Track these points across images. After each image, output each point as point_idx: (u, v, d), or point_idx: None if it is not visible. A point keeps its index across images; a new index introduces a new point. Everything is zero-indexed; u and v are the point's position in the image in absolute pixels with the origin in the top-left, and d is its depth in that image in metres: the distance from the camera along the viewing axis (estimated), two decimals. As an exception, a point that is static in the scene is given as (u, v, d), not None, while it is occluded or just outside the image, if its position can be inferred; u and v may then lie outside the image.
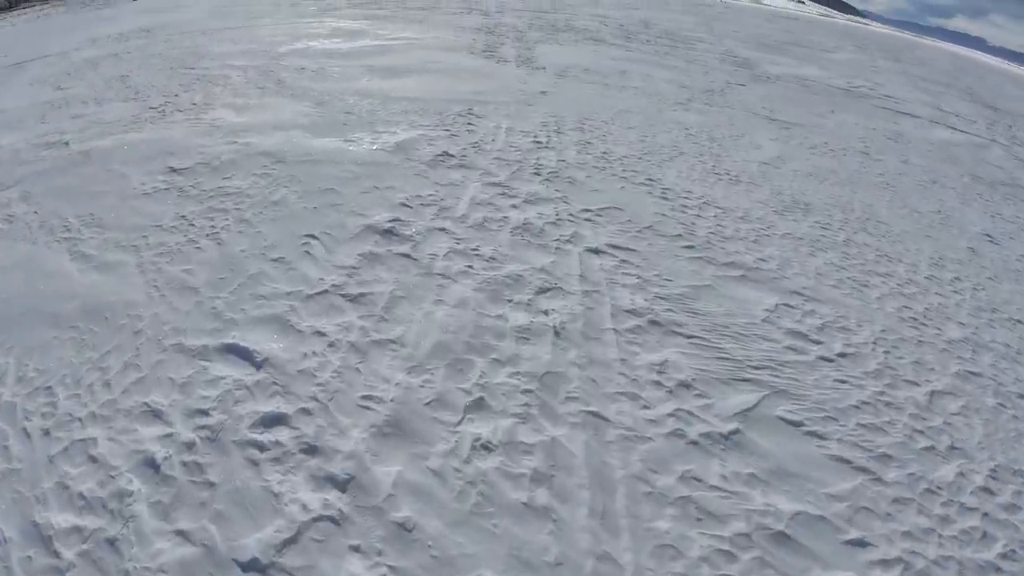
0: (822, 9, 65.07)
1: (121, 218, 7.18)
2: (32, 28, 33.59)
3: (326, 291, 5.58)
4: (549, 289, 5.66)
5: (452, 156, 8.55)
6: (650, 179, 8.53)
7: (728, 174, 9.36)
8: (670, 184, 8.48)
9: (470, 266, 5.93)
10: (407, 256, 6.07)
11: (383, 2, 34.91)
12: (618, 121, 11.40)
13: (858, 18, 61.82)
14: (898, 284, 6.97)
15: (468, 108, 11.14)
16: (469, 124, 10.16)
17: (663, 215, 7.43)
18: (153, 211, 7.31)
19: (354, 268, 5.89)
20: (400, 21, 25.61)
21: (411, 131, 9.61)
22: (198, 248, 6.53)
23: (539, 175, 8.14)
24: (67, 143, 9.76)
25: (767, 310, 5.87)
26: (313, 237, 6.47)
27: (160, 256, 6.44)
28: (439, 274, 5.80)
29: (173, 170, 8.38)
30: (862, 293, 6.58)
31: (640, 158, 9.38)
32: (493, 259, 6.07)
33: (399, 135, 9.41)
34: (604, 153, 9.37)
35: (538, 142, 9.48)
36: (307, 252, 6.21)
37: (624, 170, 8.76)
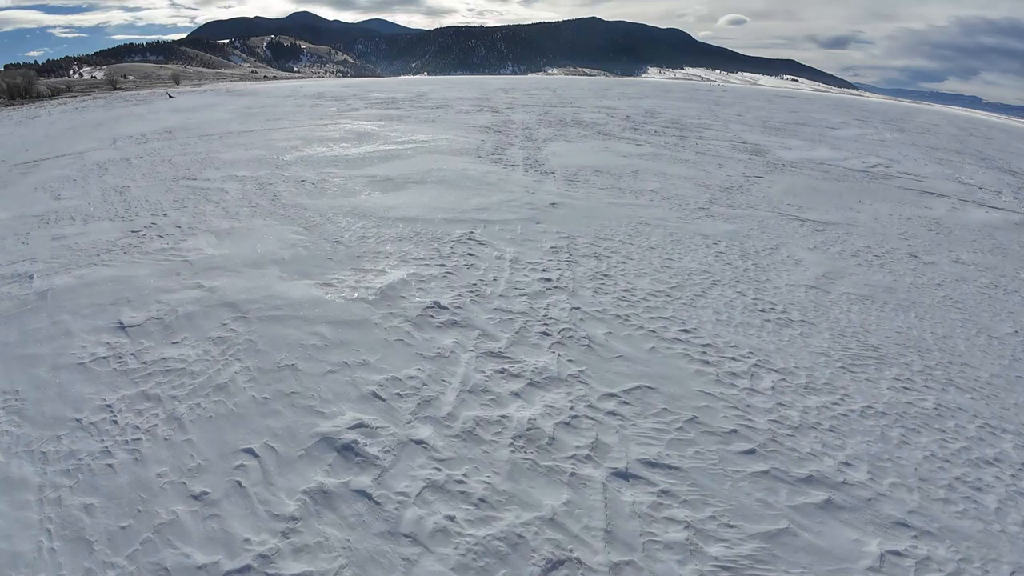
0: (816, 85, 64.55)
1: (43, 404, 5.43)
2: (65, 121, 33.22)
3: (248, 568, 3.65)
4: (561, 564, 3.66)
5: (444, 309, 6.72)
6: (684, 329, 6.60)
7: (774, 309, 7.42)
8: (709, 336, 6.54)
9: (452, 517, 3.97)
10: (367, 497, 4.14)
11: (400, 102, 34.35)
12: (637, 238, 9.61)
13: (852, 91, 60.93)
14: (1012, 475, 4.89)
15: (469, 232, 9.44)
16: (469, 255, 8.40)
17: (708, 394, 5.45)
18: (80, 395, 5.55)
19: (294, 520, 3.97)
20: (413, 122, 24.57)
21: (401, 268, 7.87)
22: (110, 466, 4.68)
23: (548, 335, 6.25)
24: (31, 276, 8.33)
25: (871, 568, 3.82)
26: (252, 454, 4.58)
27: (65, 475, 4.61)
28: (407, 535, 3.84)
29: (121, 327, 6.67)
30: (978, 506, 4.50)
31: (668, 295, 7.49)
32: (484, 502, 4.11)
33: (387, 275, 7.66)
34: (626, 291, 7.50)
35: (547, 279, 7.65)
36: (239, 484, 4.31)
37: (652, 317, 6.85)
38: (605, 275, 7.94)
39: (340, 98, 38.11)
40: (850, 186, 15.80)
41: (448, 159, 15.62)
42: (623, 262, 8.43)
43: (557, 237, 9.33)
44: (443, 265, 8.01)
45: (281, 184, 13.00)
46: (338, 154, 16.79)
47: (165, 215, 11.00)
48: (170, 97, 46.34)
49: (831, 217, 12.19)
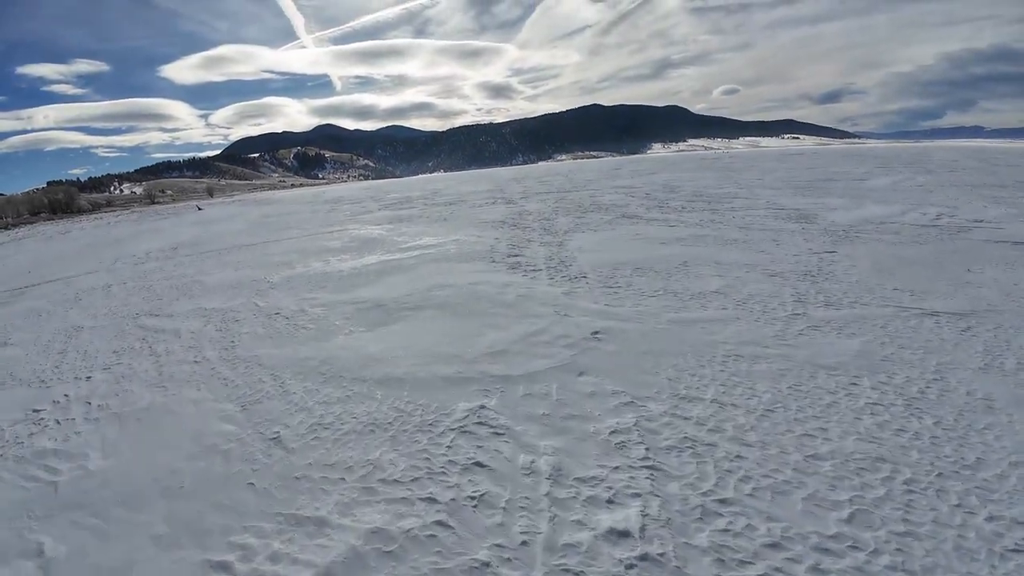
0: (818, 139, 60.84)
1: None
2: (87, 237, 30.75)
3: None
4: None
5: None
6: None
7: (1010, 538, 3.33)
8: None
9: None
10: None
11: (414, 201, 31.44)
12: (737, 391, 5.74)
13: (854, 140, 57.07)
14: None
15: (479, 406, 5.63)
16: (476, 465, 4.61)
17: None
18: None
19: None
20: (424, 221, 21.31)
21: (360, 518, 4.01)
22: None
23: None
24: None
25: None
26: None
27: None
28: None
29: None
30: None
31: (855, 543, 3.45)
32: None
33: (329, 544, 3.78)
34: (775, 544, 3.49)
35: (624, 533, 3.79)
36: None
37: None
38: (723, 502, 3.96)
39: (357, 201, 35.58)
40: (937, 249, 11.82)
41: (457, 269, 12.01)
42: (738, 458, 4.43)
43: (617, 405, 5.43)
44: (432, 501, 4.13)
45: (249, 322, 9.50)
46: (332, 270, 13.35)
47: (89, 378, 7.87)
48: (199, 209, 44.41)
49: (958, 303, 8.19)
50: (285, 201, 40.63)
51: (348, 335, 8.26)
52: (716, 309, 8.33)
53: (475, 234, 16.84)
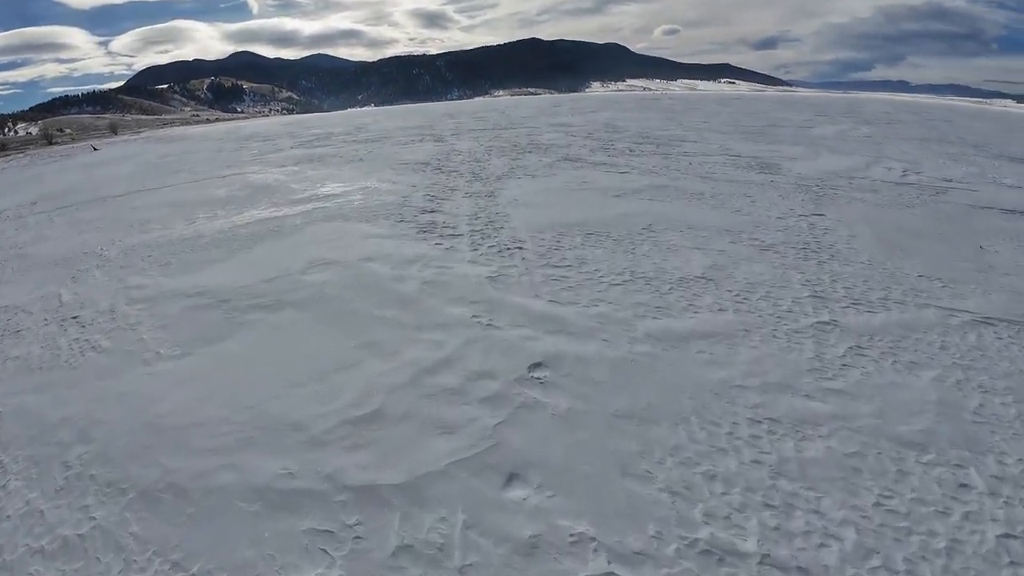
0: (753, 85, 58.54)
1: None
2: None
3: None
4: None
5: None
6: None
7: None
8: None
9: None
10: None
11: (334, 138, 26.91)
12: (773, 489, 2.78)
13: (787, 88, 55.22)
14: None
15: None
16: None
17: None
18: None
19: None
20: (337, 162, 17.30)
21: None
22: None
23: None
24: None
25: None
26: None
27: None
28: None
29: None
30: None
31: None
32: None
33: None
34: None
35: None
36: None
37: None
38: None
39: (272, 137, 30.52)
40: (931, 216, 9.74)
41: (352, 232, 8.60)
42: None
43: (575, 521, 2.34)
44: None
45: (28, 334, 6.15)
46: (193, 234, 9.61)
47: None
48: (95, 150, 37.65)
49: (1004, 302, 5.71)
50: (194, 138, 34.83)
51: (148, 365, 4.89)
52: (710, 311, 5.41)
53: (391, 179, 13.21)
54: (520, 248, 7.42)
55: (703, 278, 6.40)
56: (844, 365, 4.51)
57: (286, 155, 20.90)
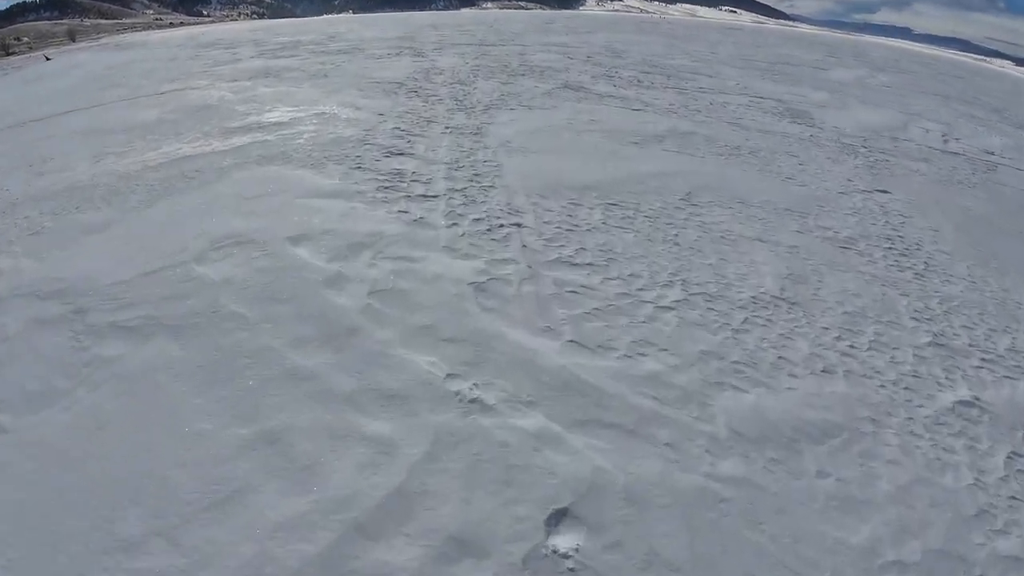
0: (755, 16, 54.07)
1: None
2: None
3: None
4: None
5: None
6: None
7: None
8: None
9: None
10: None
11: (302, 47, 22.95)
12: None
13: (790, 22, 51.17)
14: None
15: None
16: None
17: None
18: None
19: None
20: (297, 78, 14.10)
21: None
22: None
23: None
24: None
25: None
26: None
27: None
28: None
29: None
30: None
31: None
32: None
33: None
34: None
35: None
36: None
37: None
38: None
39: (233, 45, 26.20)
40: (995, 202, 7.90)
41: (289, 186, 6.08)
42: None
43: None
44: None
45: None
46: (90, 178, 7.07)
47: None
48: (47, 60, 32.72)
49: None
50: (151, 45, 30.14)
51: None
52: (813, 374, 3.34)
53: (355, 103, 10.35)
54: (518, 225, 5.04)
55: (784, 300, 4.18)
56: (1012, 501, 2.44)
57: (242, 67, 17.37)
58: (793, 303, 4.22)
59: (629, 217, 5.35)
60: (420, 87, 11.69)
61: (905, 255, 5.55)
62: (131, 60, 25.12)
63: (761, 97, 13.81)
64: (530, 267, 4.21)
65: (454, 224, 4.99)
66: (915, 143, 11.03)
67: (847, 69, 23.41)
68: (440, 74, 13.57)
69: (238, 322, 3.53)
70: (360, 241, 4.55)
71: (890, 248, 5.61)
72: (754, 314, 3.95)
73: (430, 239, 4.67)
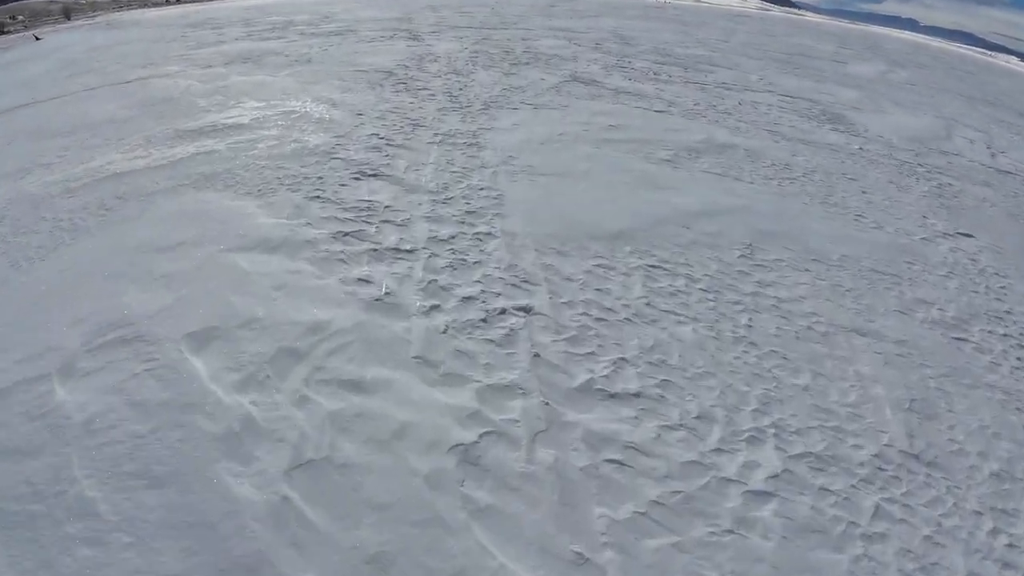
0: (760, 2, 51.28)
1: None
2: None
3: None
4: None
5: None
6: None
7: None
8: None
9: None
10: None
11: (292, 27, 20.71)
12: None
13: (795, 10, 48.57)
14: None
15: None
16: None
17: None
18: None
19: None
20: (277, 64, 12.17)
21: None
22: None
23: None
24: None
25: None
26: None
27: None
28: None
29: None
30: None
31: None
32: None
33: None
34: None
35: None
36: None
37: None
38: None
39: (223, 25, 23.86)
40: None
41: (216, 227, 4.27)
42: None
43: None
44: None
45: None
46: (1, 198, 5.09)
47: None
48: (37, 39, 30.26)
49: None
50: (143, 24, 27.76)
51: None
52: None
53: (332, 98, 8.53)
54: (526, 311, 3.39)
55: (916, 457, 2.57)
56: None
57: (223, 50, 15.31)
58: (929, 463, 2.63)
59: (680, 291, 3.69)
60: (411, 78, 9.84)
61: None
62: (116, 41, 22.85)
63: (790, 96, 12.04)
64: (547, 403, 2.57)
65: (434, 307, 3.32)
66: (966, 159, 9.45)
67: (865, 63, 21.49)
68: (435, 61, 11.67)
69: (85, 526, 1.89)
70: (292, 345, 2.89)
71: (1006, 335, 3.99)
72: (884, 496, 2.34)
73: (397, 340, 3.01)
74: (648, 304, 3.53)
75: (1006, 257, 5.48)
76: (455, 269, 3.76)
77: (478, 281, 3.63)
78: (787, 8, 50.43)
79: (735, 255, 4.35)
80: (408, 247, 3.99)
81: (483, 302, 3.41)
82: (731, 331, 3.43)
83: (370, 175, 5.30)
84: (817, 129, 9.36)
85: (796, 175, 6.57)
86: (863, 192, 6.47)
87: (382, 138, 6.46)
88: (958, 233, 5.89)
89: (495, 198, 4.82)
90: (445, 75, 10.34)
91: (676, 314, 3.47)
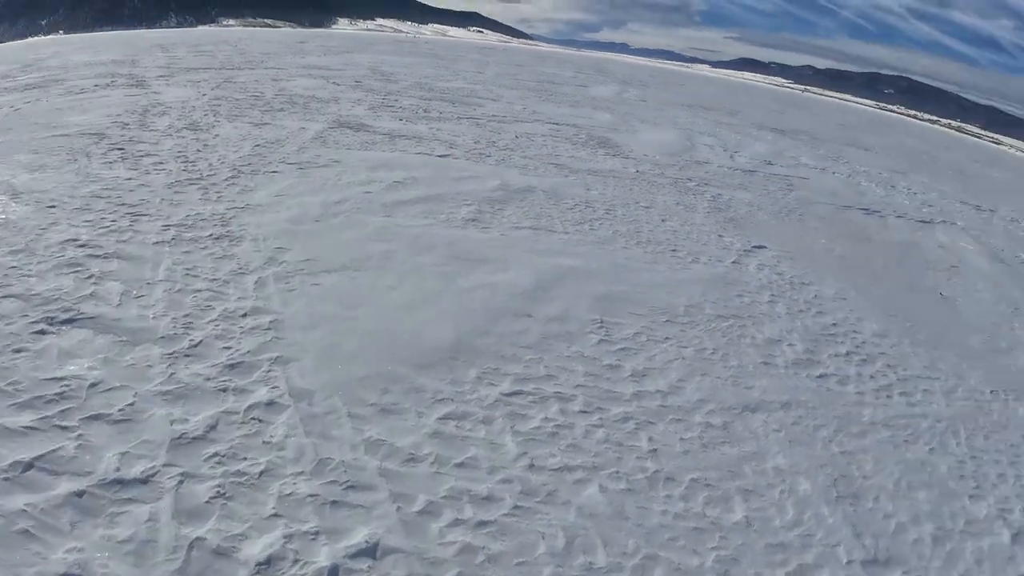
0: (501, 36, 55.53)
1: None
2: None
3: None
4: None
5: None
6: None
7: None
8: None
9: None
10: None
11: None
12: None
13: (531, 41, 53.63)
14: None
15: None
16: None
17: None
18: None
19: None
20: None
21: None
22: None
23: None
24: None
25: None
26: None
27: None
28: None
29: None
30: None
31: None
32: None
33: None
34: None
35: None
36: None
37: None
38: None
39: None
40: (842, 232, 7.44)
41: None
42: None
43: None
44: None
45: None
46: None
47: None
48: None
49: None
50: None
51: None
52: None
53: (14, 183, 5.66)
54: (371, 555, 1.89)
55: (876, 563, 1.88)
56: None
57: None
58: (888, 562, 2.04)
59: (561, 427, 2.69)
60: (131, 140, 7.32)
61: (866, 362, 3.88)
62: None
63: (556, 123, 12.26)
64: None
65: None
66: (715, 164, 10.49)
67: (602, 85, 23.86)
68: (164, 114, 9.10)
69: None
70: None
71: (848, 354, 3.89)
72: None
73: None
74: (532, 467, 2.38)
75: (799, 262, 5.68)
76: (227, 502, 2.11)
77: (274, 514, 2.05)
78: (524, 40, 55.15)
79: (593, 341, 3.47)
80: (138, 474, 2.20)
81: (296, 568, 1.86)
82: (639, 469, 2.48)
83: (63, 322, 3.20)
84: (594, 156, 9.40)
85: (599, 213, 6.13)
86: (663, 220, 6.32)
87: (83, 245, 4.23)
88: (754, 247, 5.98)
89: (268, 329, 3.20)
90: (178, 132, 7.99)
91: (570, 469, 2.38)
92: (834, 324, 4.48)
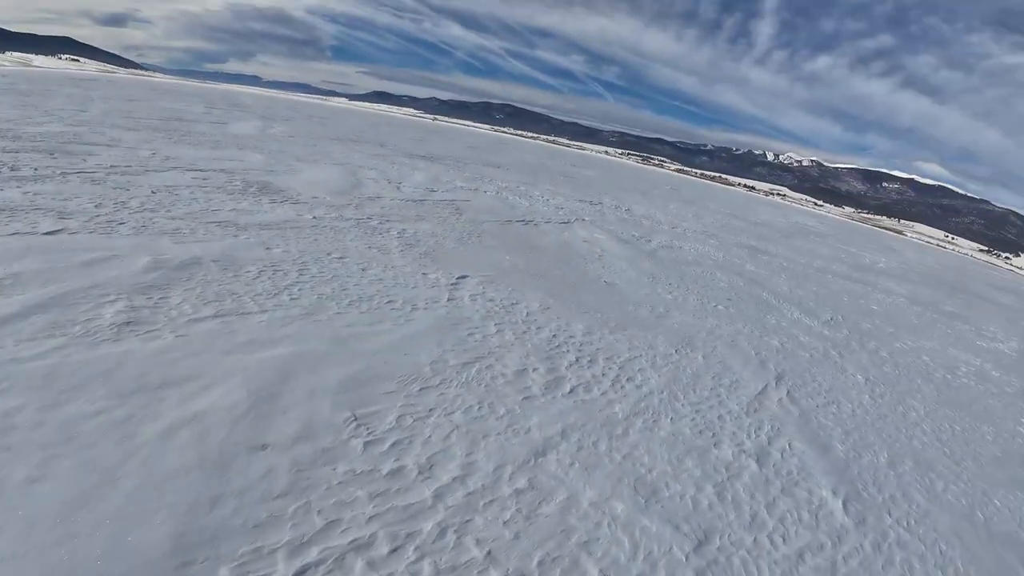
0: (101, 65, 45.91)
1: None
2: None
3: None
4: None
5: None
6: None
7: None
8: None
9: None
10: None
11: None
12: None
13: (142, 71, 45.72)
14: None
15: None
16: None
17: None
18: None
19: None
20: None
21: None
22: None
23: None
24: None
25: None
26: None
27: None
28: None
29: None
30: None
31: None
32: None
33: None
34: None
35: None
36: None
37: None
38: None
39: None
40: (513, 237, 8.49)
41: None
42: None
43: None
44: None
45: None
46: None
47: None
48: None
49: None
50: None
51: None
52: None
53: None
54: None
55: None
56: None
57: None
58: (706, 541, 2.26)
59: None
60: None
61: (592, 363, 4.37)
62: None
63: (201, 170, 10.42)
64: None
65: None
66: (386, 198, 10.58)
67: (242, 121, 21.59)
68: None
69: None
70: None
71: (579, 362, 4.34)
72: None
73: None
74: None
75: (499, 283, 6.03)
76: None
77: None
78: (133, 70, 45.67)
79: (358, 449, 2.81)
80: None
81: None
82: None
83: None
84: (259, 206, 8.20)
85: (293, 277, 5.26)
86: (363, 270, 5.92)
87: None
88: (458, 278, 6.10)
89: None
90: None
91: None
92: (553, 336, 4.81)
